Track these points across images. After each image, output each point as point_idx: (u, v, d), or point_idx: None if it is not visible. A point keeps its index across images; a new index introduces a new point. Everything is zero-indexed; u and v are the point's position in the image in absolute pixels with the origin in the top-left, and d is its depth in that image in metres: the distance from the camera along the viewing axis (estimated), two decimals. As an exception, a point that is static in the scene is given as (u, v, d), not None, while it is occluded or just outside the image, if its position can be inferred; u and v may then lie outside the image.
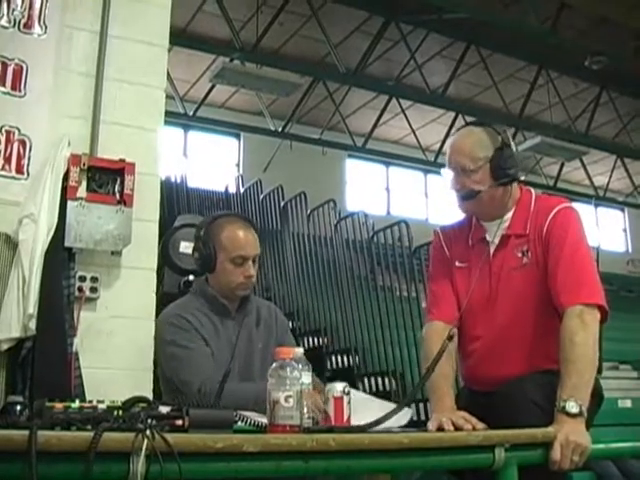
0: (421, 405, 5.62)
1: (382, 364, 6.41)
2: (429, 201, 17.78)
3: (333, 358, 6.98)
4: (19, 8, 3.98)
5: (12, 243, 3.74)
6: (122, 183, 3.98)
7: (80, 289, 3.87)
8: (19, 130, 3.92)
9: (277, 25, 12.29)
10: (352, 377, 6.39)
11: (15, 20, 3.98)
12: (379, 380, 6.40)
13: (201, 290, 3.01)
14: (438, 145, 15.58)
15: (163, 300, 3.84)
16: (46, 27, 4.05)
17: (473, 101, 15.16)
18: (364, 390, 6.45)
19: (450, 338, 2.37)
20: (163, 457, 1.54)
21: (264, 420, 1.93)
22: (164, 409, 1.75)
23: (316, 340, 7.27)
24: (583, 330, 2.31)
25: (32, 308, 3.56)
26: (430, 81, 13.79)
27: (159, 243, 4.32)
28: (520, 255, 2.54)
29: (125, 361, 3.71)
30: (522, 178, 2.66)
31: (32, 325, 3.57)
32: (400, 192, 17.56)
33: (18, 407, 1.74)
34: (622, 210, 20.62)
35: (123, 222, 3.95)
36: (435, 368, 2.33)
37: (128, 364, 3.72)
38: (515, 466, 2.07)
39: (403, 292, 6.75)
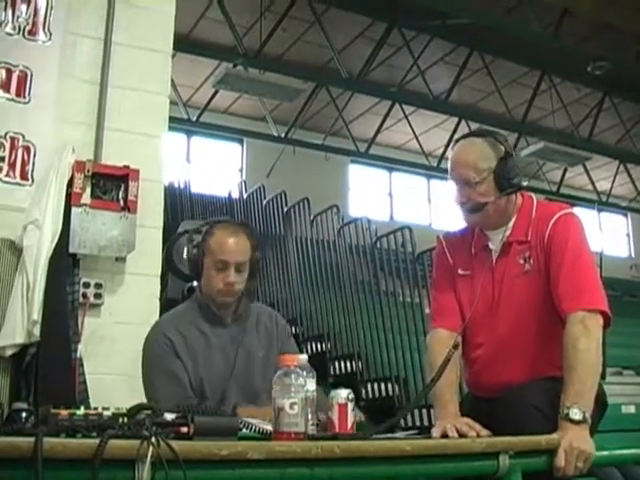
0: (424, 411, 5.62)
1: (385, 370, 6.40)
2: (432, 206, 17.76)
3: (336, 364, 6.97)
4: (24, 15, 4.00)
5: (16, 249, 3.76)
6: (126, 189, 3.99)
7: (84, 295, 3.88)
8: (23, 136, 3.93)
9: (280, 31, 12.31)
10: (355, 383, 6.38)
11: (20, 27, 4.00)
12: (382, 386, 6.39)
13: (195, 297, 2.97)
14: (441, 150, 15.60)
15: (167, 306, 3.84)
16: (50, 34, 4.06)
17: (476, 107, 15.16)
18: (367, 396, 6.46)
19: (455, 347, 2.36)
20: (168, 464, 1.54)
21: (269, 427, 1.93)
22: (169, 416, 1.75)
23: (319, 345, 7.26)
24: (586, 336, 2.31)
25: (36, 314, 3.57)
26: (433, 87, 13.80)
27: (163, 249, 4.33)
28: (522, 262, 2.54)
29: (129, 367, 3.70)
30: (524, 184, 2.65)
31: (36, 331, 3.58)
32: (403, 197, 17.56)
33: (24, 414, 1.75)
34: (625, 215, 20.61)
35: (127, 228, 3.96)
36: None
37: (132, 370, 3.70)
38: (519, 473, 2.07)
39: (406, 297, 6.75)
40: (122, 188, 4.01)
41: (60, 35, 4.10)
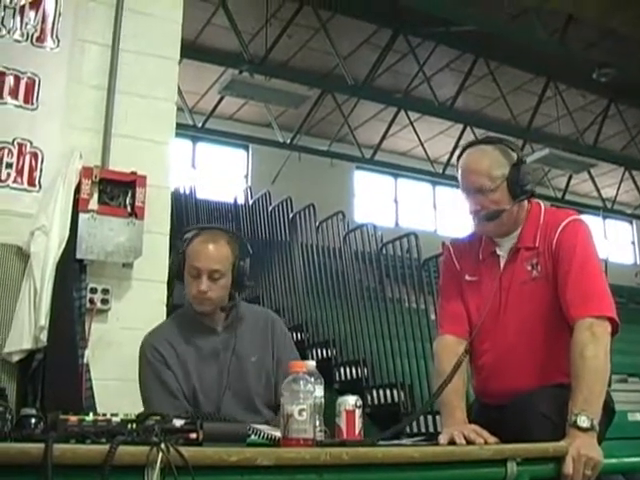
0: (430, 418, 5.61)
1: (391, 376, 6.39)
2: (437, 213, 17.76)
3: (342, 370, 6.96)
4: (32, 22, 4.02)
5: (24, 255, 3.77)
6: (133, 195, 4.01)
7: (91, 301, 3.89)
8: (31, 143, 3.95)
9: (286, 37, 12.33)
10: (361, 389, 6.38)
11: (28, 34, 4.02)
12: (388, 392, 6.38)
13: (186, 307, 2.96)
14: (446, 157, 15.59)
15: (173, 312, 3.85)
16: (58, 41, 4.08)
17: (481, 113, 15.16)
18: (372, 402, 6.45)
19: (466, 352, 2.36)
20: (178, 470, 1.55)
21: (277, 433, 1.93)
22: (178, 422, 1.76)
23: (325, 352, 7.26)
24: (593, 343, 2.30)
25: (43, 320, 3.58)
26: (438, 93, 13.80)
27: (169, 255, 4.34)
28: (530, 268, 2.54)
29: (136, 373, 3.72)
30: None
31: (43, 337, 3.59)
32: (408, 204, 17.56)
33: (33, 420, 1.75)
34: (630, 222, 20.58)
35: (134, 234, 3.97)
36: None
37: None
38: (527, 480, 2.07)
39: (412, 304, 6.74)
40: (129, 194, 4.03)
41: (68, 42, 4.12)
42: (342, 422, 2.07)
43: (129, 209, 4.01)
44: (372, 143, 15.35)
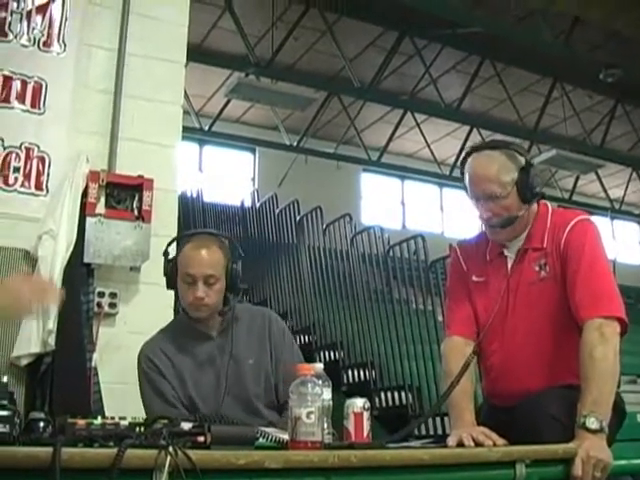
0: (438, 420, 5.60)
1: (399, 378, 6.39)
2: (444, 215, 17.74)
3: (349, 372, 6.96)
4: (39, 27, 4.04)
5: (31, 259, 3.78)
6: (140, 199, 4.02)
7: (99, 304, 3.90)
8: (38, 147, 3.96)
9: (292, 40, 12.33)
10: (369, 392, 6.37)
11: (35, 39, 4.03)
12: (396, 394, 6.37)
13: (180, 315, 2.96)
14: (453, 159, 15.57)
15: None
16: (65, 45, 4.09)
17: (488, 115, 15.14)
18: (380, 404, 6.45)
19: (475, 352, 2.35)
20: (186, 474, 1.55)
21: (285, 436, 1.93)
22: (186, 426, 1.76)
23: (332, 354, 7.25)
24: (603, 344, 2.29)
25: (51, 323, 3.59)
26: (445, 95, 13.79)
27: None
28: (538, 269, 2.53)
29: (144, 376, 3.72)
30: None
31: (51, 340, 3.60)
32: (415, 206, 17.55)
33: (41, 424, 1.75)
34: (638, 223, 20.52)
35: (141, 238, 3.98)
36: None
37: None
38: (536, 482, 2.06)
39: (419, 306, 6.74)
40: (136, 198, 4.03)
41: (74, 46, 4.13)
42: (350, 425, 2.07)
43: (136, 213, 4.02)
44: (379, 145, 15.35)
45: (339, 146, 15.13)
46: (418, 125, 15.20)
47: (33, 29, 4.03)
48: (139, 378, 2.85)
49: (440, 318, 6.02)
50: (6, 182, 3.88)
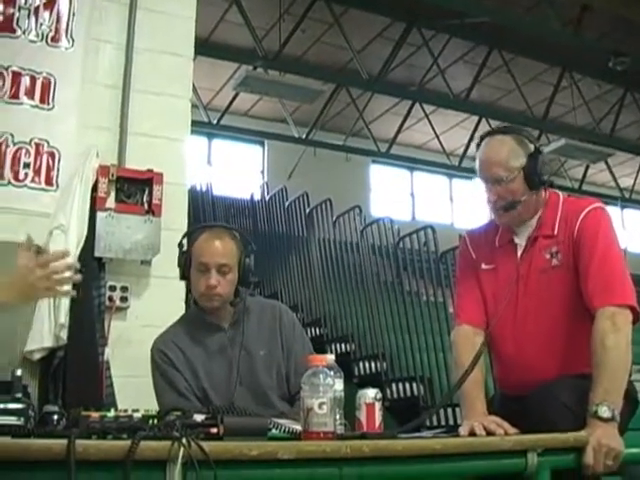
0: (449, 410, 5.61)
1: (410, 369, 6.39)
2: (454, 205, 17.71)
3: (360, 364, 6.96)
4: (47, 22, 4.04)
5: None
6: (150, 193, 4.03)
7: (110, 299, 3.92)
8: (48, 142, 3.97)
9: (299, 32, 12.30)
10: (380, 383, 6.37)
11: (43, 34, 4.03)
12: (407, 385, 6.38)
13: (192, 307, 2.98)
14: (462, 149, 15.53)
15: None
16: (73, 40, 4.10)
17: (496, 105, 15.09)
18: (392, 395, 6.45)
19: (485, 344, 2.35)
20: (199, 465, 1.56)
21: (298, 427, 1.93)
22: (199, 417, 1.77)
23: (343, 346, 7.26)
24: (614, 333, 2.29)
25: (63, 318, 3.61)
26: (453, 85, 13.75)
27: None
28: (549, 257, 2.52)
29: (156, 370, 3.74)
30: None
31: (64, 335, 3.62)
32: (425, 197, 17.52)
33: (55, 416, 1.77)
34: (649, 212, 20.43)
35: (152, 232, 3.99)
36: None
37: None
38: (548, 471, 2.07)
39: (430, 297, 6.74)
40: (146, 192, 4.05)
41: (82, 41, 4.14)
42: (362, 415, 2.08)
43: (146, 207, 4.03)
44: (387, 137, 15.32)
45: (348, 138, 15.11)
46: (427, 116, 15.17)
47: (41, 24, 4.03)
48: (152, 371, 2.87)
49: (451, 309, 6.01)
50: (16, 178, 3.90)
